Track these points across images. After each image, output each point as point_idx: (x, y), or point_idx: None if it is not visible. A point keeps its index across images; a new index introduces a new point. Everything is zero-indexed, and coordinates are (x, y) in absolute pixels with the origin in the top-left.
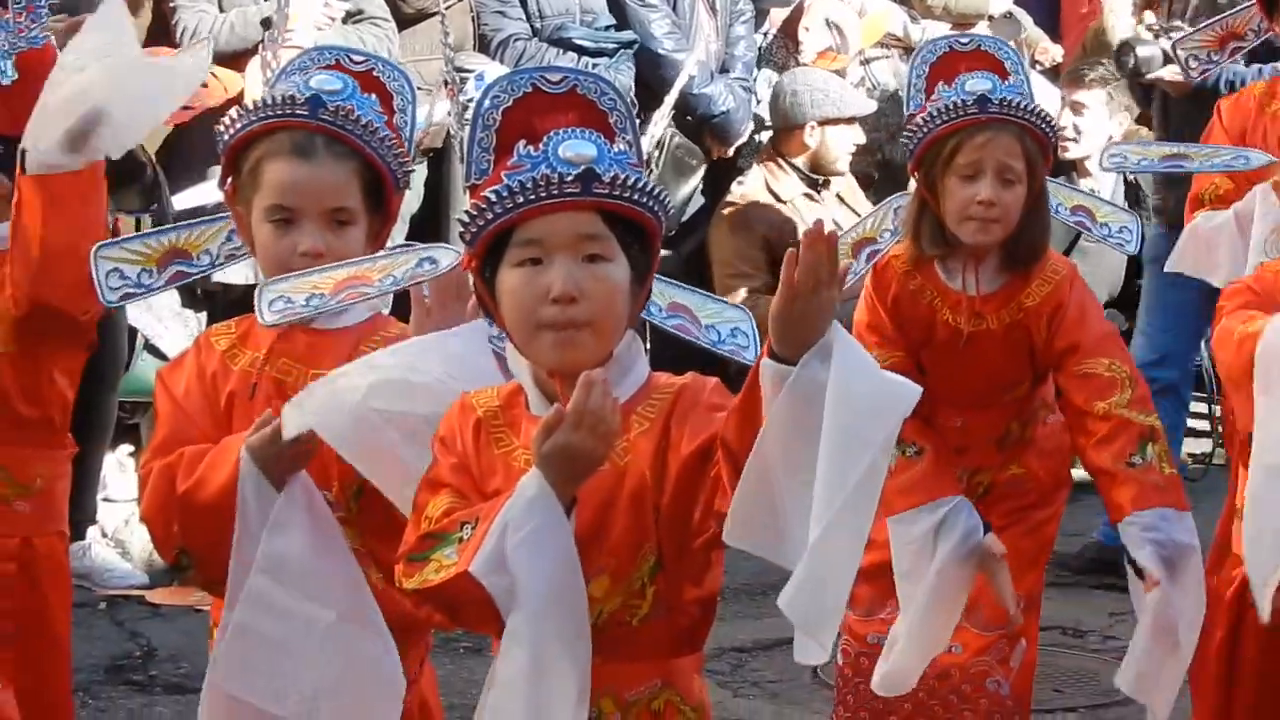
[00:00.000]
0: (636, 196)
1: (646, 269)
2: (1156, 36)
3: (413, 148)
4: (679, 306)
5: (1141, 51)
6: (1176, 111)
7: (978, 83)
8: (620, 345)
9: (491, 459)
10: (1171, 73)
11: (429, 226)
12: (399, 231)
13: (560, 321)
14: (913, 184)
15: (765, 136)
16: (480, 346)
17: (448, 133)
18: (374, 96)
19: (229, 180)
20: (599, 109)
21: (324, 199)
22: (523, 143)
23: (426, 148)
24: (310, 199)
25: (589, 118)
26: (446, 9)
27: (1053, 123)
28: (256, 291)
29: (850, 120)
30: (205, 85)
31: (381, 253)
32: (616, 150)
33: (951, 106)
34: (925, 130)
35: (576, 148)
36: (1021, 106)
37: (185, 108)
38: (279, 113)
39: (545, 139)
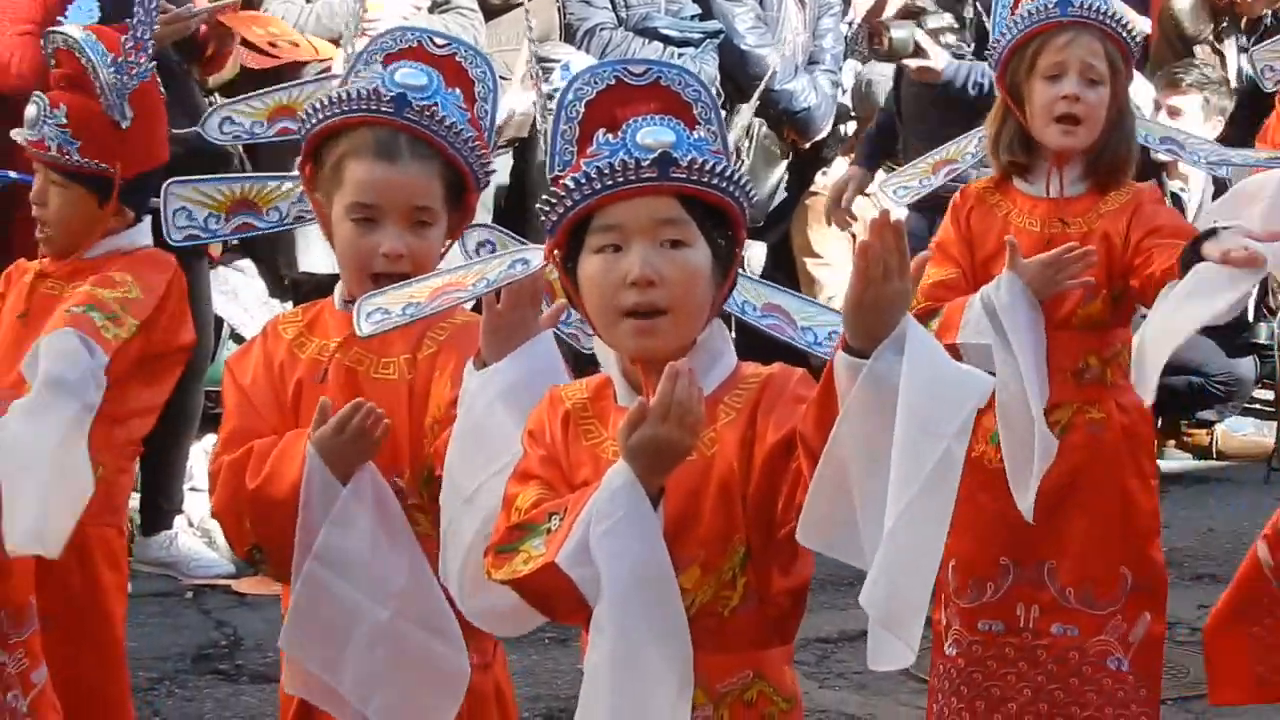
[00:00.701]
0: (716, 181)
1: (730, 256)
2: (913, 18)
3: (492, 136)
4: (774, 307)
5: (896, 34)
6: (908, 102)
7: None
8: (705, 334)
9: (580, 451)
10: (918, 62)
11: (514, 216)
12: (483, 219)
13: (640, 305)
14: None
15: (852, 128)
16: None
17: (533, 123)
18: (457, 91)
19: (307, 167)
20: (683, 99)
21: (407, 200)
22: (602, 131)
23: (511, 138)
24: (393, 200)
25: (671, 107)
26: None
27: (1132, 30)
28: (356, 305)
29: None
30: (296, 45)
31: (475, 259)
32: (696, 136)
33: (1033, 11)
34: (1009, 38)
35: (655, 134)
36: (1102, 10)
37: (268, 54)
38: (363, 108)
39: (624, 126)
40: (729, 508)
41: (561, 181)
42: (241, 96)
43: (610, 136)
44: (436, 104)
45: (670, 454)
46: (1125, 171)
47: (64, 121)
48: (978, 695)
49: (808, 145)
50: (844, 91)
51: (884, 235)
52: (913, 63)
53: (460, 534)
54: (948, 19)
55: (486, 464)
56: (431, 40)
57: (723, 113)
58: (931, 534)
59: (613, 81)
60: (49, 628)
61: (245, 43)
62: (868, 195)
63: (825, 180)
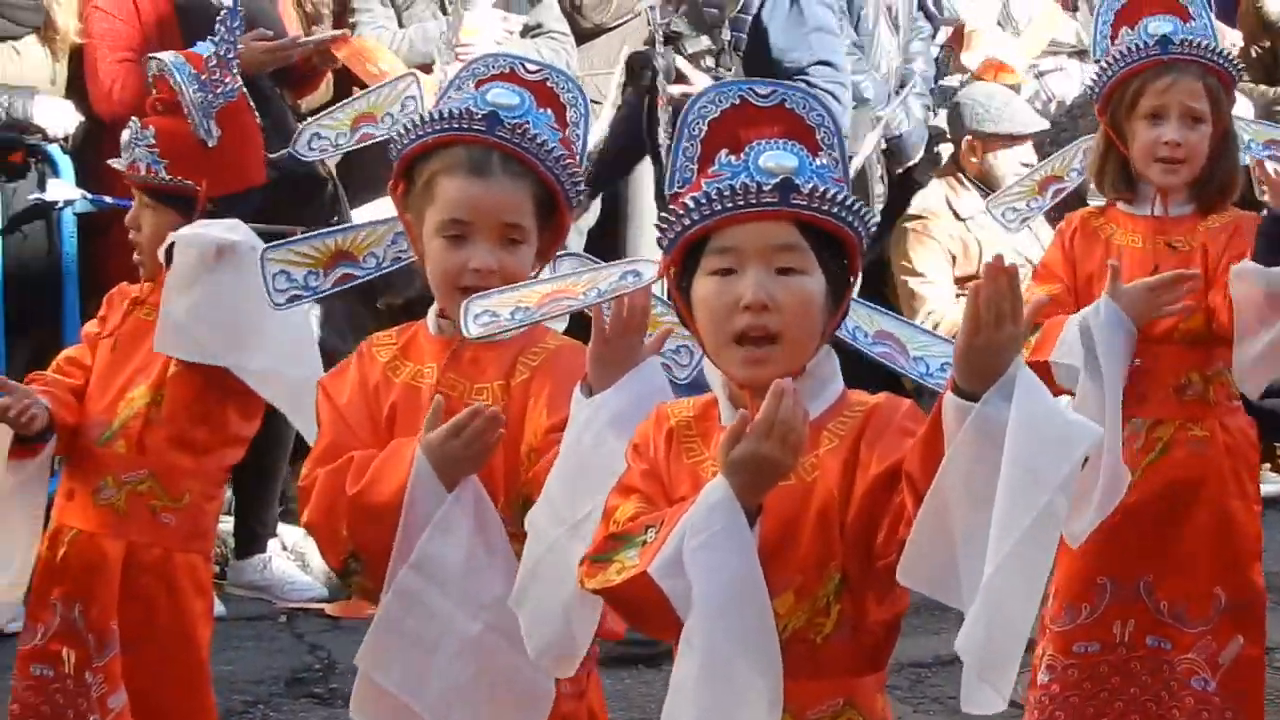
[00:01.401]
0: (835, 210)
1: (844, 284)
2: (671, 43)
3: (584, 159)
4: (887, 335)
5: (658, 62)
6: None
7: (1160, 24)
8: (814, 360)
9: (681, 468)
10: (681, 89)
11: (605, 240)
12: (575, 244)
13: (752, 330)
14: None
15: (948, 150)
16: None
17: None
18: (549, 112)
19: (399, 186)
20: (806, 124)
21: (498, 216)
22: (725, 151)
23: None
24: (484, 216)
25: (795, 131)
26: (624, 24)
27: (1235, 61)
28: (462, 306)
29: (1013, 137)
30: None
31: (586, 267)
32: (819, 163)
33: (1134, 49)
34: (1109, 74)
35: (777, 158)
36: (1203, 46)
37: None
38: (455, 127)
39: (747, 149)
40: (827, 534)
41: (681, 200)
42: (325, 111)
43: (732, 158)
44: (528, 122)
45: (770, 472)
46: (1230, 194)
47: (152, 142)
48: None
49: (900, 170)
50: (935, 114)
51: (998, 280)
52: (676, 89)
53: (565, 560)
54: (705, 42)
55: (593, 492)
56: (524, 65)
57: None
58: (1029, 585)
59: (737, 101)
60: (131, 652)
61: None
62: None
63: (922, 203)
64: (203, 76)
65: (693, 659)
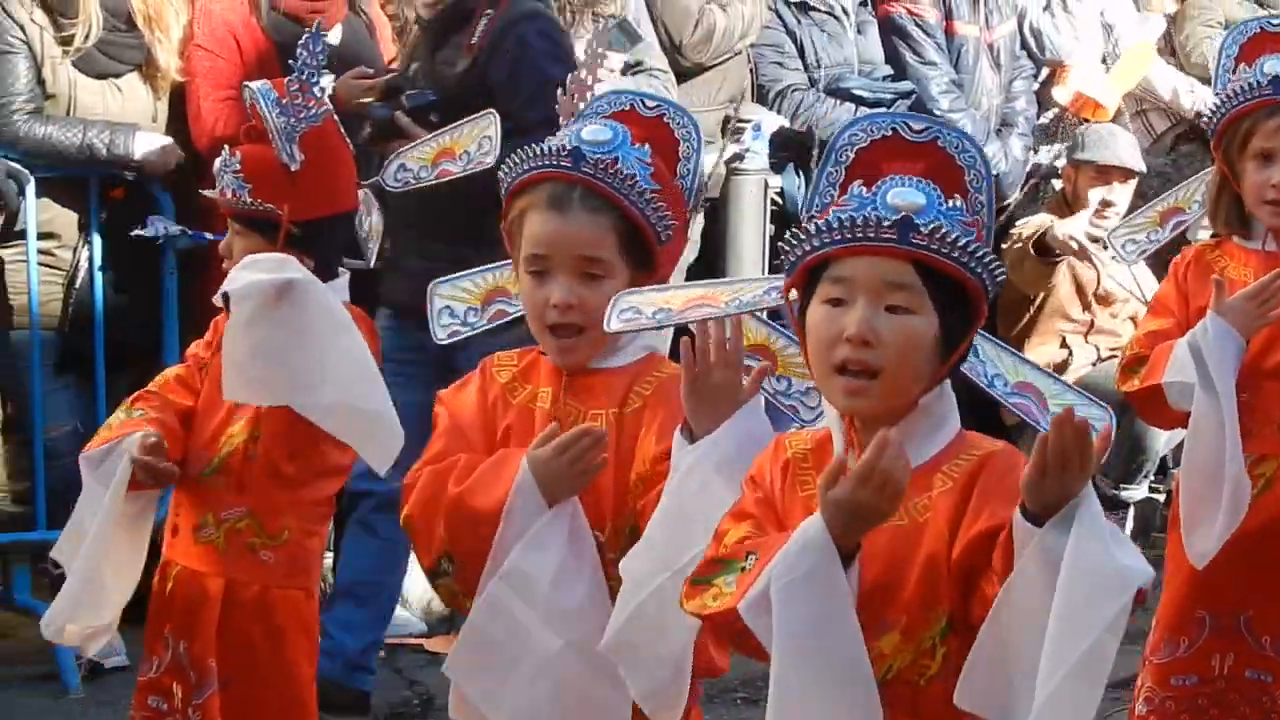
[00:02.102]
0: (955, 254)
1: (962, 330)
2: (391, 97)
3: (694, 196)
4: (1027, 386)
5: (375, 114)
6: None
7: (1275, 64)
8: (929, 398)
9: (795, 500)
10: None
11: (705, 276)
12: (677, 279)
13: (852, 363)
14: None
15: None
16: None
17: (724, 183)
18: (646, 147)
19: (505, 223)
20: (956, 164)
21: (575, 250)
22: (859, 182)
23: (703, 197)
24: (561, 250)
25: (940, 169)
26: (724, 62)
27: None
28: (612, 301)
29: (1102, 168)
30: None
31: (733, 278)
32: (951, 205)
33: (1247, 88)
34: (1223, 111)
35: (905, 195)
36: None
37: None
38: (543, 164)
39: (879, 182)
40: (934, 576)
41: (805, 224)
42: (414, 143)
43: (864, 189)
44: (616, 158)
45: (866, 517)
46: None
47: (238, 168)
48: None
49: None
50: (1036, 152)
51: (1064, 432)
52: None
53: (668, 606)
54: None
55: (694, 539)
56: (643, 102)
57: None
58: (1075, 716)
59: (889, 133)
60: (231, 689)
61: None
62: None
63: (1021, 230)
64: (284, 101)
65: (773, 700)
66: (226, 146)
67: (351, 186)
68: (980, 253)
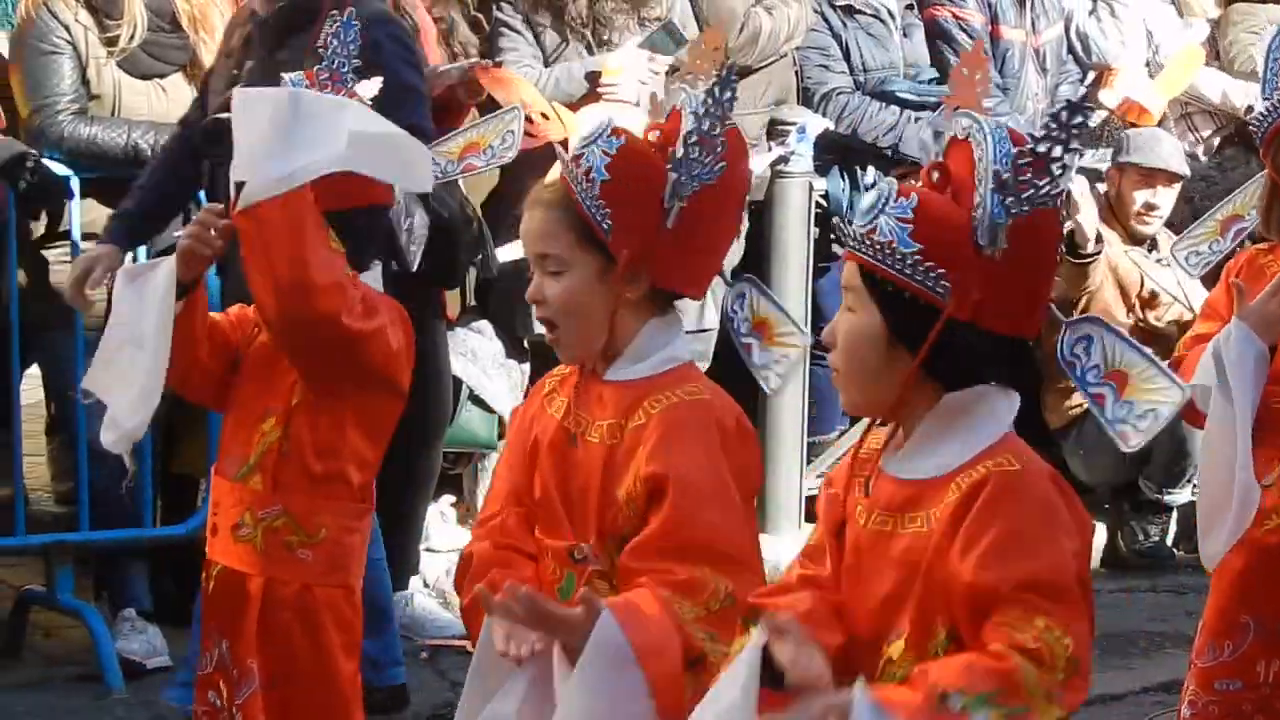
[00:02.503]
0: (881, 255)
1: (917, 327)
2: None
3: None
4: (1115, 375)
5: None
6: None
7: None
8: (952, 398)
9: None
10: None
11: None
12: (719, 286)
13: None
14: None
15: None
16: None
17: (769, 185)
18: (619, 139)
19: None
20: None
21: (534, 247)
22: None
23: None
24: (528, 248)
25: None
26: (769, 65)
27: None
28: None
29: (1148, 171)
30: (546, 117)
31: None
32: (898, 203)
33: None
34: (1271, 118)
35: (867, 198)
36: None
37: (529, 135)
38: None
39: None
40: (931, 590)
41: None
42: (442, 138)
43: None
44: (582, 154)
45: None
46: None
47: None
48: None
49: None
50: (1081, 155)
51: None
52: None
53: None
54: None
55: None
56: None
57: None
58: None
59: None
60: (274, 689)
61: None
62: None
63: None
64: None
65: None
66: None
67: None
68: (905, 255)
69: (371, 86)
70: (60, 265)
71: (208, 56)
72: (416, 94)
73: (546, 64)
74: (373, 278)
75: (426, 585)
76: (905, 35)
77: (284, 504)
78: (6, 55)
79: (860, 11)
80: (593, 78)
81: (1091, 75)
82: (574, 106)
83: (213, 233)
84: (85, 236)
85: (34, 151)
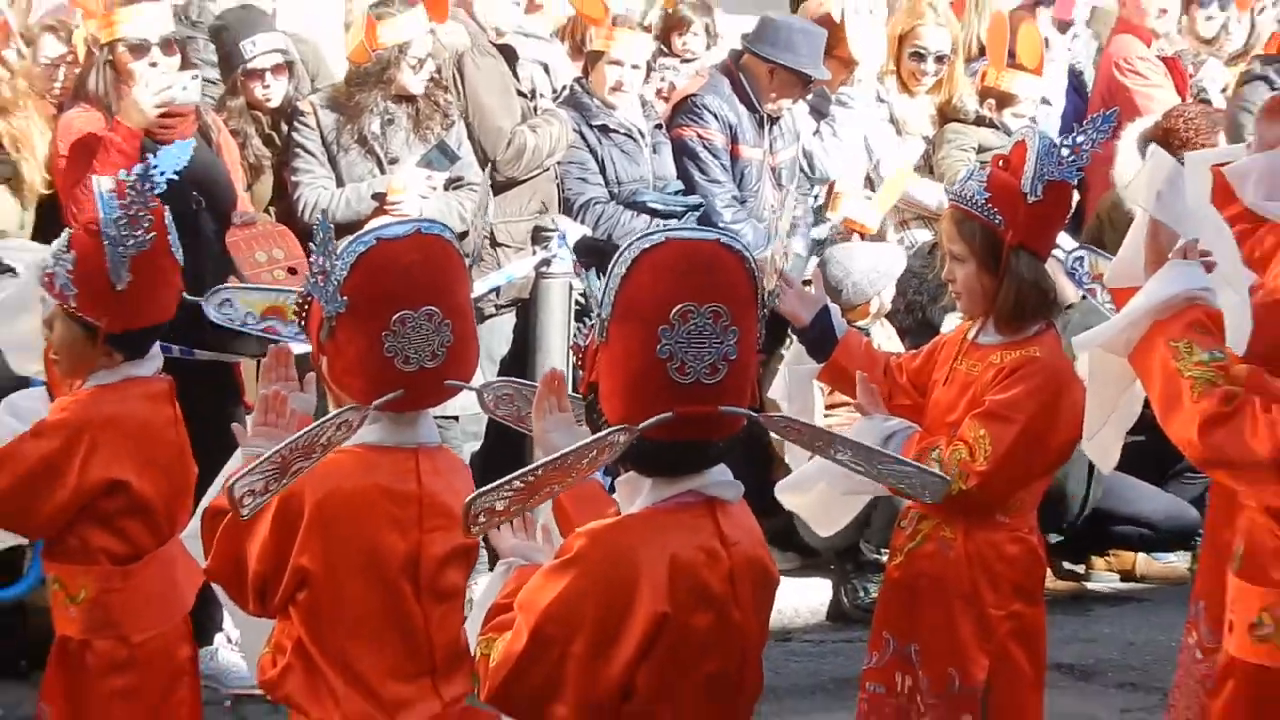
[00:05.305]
0: None
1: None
2: None
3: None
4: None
5: None
6: None
7: None
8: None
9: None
10: None
11: (515, 368)
12: (490, 370)
13: None
14: None
15: None
16: None
17: (533, 284)
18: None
19: None
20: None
21: None
22: None
23: (514, 298)
24: None
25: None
26: (534, 177)
27: None
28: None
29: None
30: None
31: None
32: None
33: None
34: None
35: None
36: None
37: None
38: None
39: None
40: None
41: None
42: (246, 286)
43: None
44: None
45: None
46: None
47: (71, 267)
48: None
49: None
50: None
51: None
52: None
53: None
54: None
55: None
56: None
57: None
58: None
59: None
60: None
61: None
62: None
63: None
64: (119, 216)
65: None
66: (66, 233)
67: (171, 301)
68: (979, 200)
69: None
70: None
71: (29, 171)
72: None
73: (340, 183)
74: (150, 360)
75: (230, 641)
76: (655, 151)
77: (54, 572)
78: None
79: (614, 131)
80: (379, 196)
81: (822, 191)
82: (362, 222)
83: None
84: None
85: None
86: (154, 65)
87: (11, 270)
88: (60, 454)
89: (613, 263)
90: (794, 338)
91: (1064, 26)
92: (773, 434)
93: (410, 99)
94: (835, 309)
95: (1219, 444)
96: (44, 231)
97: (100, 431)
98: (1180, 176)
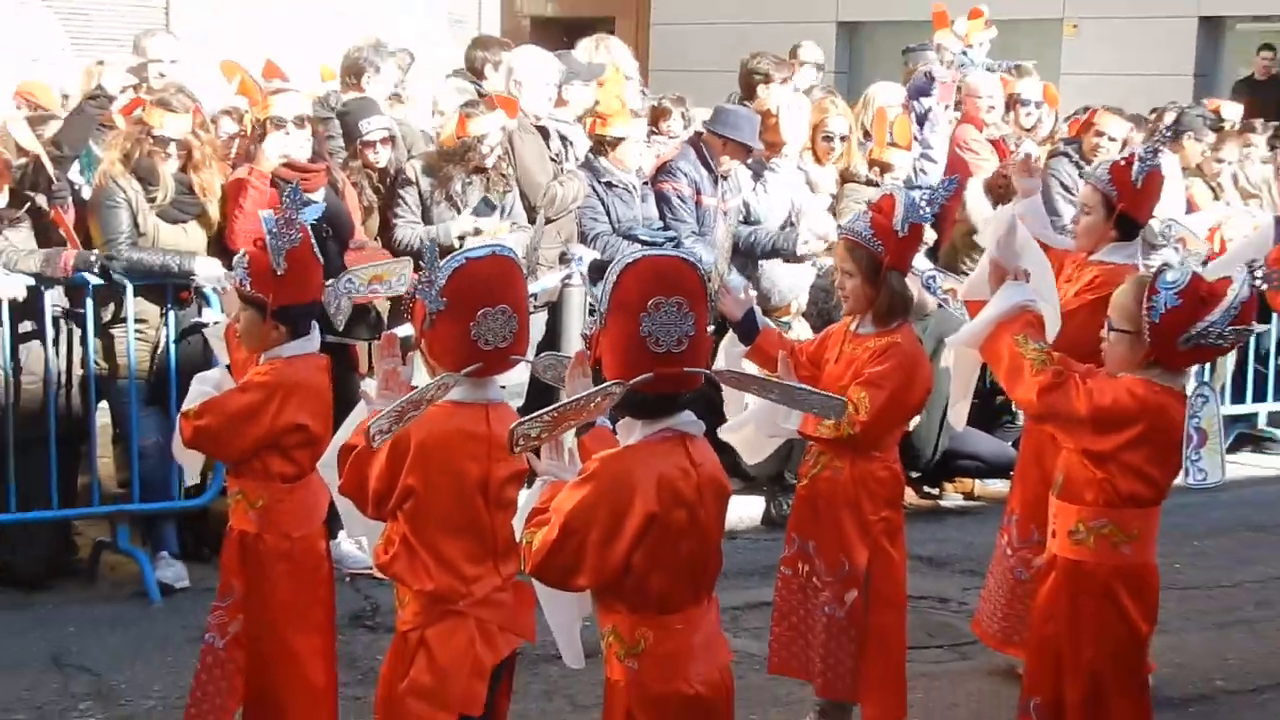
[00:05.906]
0: None
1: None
2: None
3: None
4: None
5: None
6: None
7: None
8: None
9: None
10: None
11: (547, 350)
12: (529, 352)
13: None
14: None
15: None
16: None
17: (559, 291)
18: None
19: None
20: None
21: None
22: None
23: (546, 302)
24: None
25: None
26: (562, 218)
27: None
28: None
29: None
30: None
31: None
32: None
33: None
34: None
35: None
36: None
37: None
38: None
39: None
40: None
41: None
42: (362, 266)
43: None
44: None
45: None
46: None
47: (246, 265)
48: None
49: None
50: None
51: None
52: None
53: None
54: None
55: None
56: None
57: None
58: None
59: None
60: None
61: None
62: None
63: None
64: (276, 225)
65: None
66: (242, 249)
67: (317, 286)
68: (866, 234)
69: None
70: (121, 338)
71: (212, 209)
72: None
73: (427, 221)
74: (311, 340)
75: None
76: (643, 200)
77: (239, 486)
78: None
79: (616, 185)
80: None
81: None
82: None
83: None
84: (138, 320)
85: (99, 254)
86: (287, 134)
87: (200, 290)
88: (260, 404)
89: (607, 274)
90: (730, 328)
91: (949, 106)
92: (723, 387)
93: (483, 170)
94: (759, 309)
95: (1051, 404)
96: (218, 252)
97: (290, 390)
98: (1016, 225)
